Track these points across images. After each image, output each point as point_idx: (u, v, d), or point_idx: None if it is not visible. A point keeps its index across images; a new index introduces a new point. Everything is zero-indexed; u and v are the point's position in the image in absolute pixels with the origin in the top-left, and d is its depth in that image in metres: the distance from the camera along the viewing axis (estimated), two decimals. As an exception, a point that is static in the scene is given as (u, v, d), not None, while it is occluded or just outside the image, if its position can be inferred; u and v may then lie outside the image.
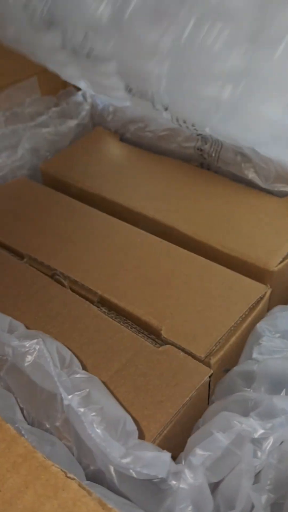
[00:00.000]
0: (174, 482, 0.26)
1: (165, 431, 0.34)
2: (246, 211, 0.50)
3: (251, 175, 0.52)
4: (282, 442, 0.28)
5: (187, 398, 0.35)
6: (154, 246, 0.48)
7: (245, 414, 0.29)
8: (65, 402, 0.29)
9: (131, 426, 0.30)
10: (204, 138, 0.54)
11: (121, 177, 0.57)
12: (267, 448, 0.27)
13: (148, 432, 0.34)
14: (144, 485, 0.28)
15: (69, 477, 0.25)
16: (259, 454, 0.27)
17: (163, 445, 0.34)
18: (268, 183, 0.52)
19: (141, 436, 0.33)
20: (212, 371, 0.37)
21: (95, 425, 0.28)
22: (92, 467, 0.31)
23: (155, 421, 0.34)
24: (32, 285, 0.44)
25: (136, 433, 0.30)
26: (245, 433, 0.27)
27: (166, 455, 0.27)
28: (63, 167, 0.59)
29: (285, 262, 0.44)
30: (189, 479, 0.26)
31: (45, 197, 0.55)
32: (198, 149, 0.56)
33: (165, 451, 0.28)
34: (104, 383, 0.36)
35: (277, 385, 0.32)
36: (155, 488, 0.28)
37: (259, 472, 0.28)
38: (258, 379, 0.33)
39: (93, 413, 0.28)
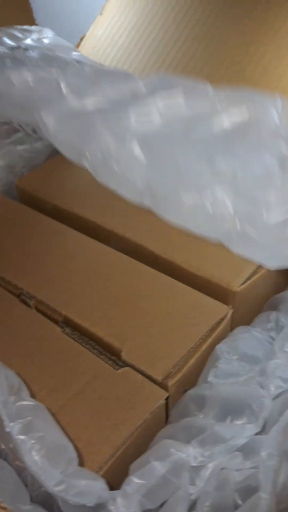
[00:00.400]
0: (111, 509, 0.26)
1: (118, 453, 0.34)
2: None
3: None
4: (221, 470, 0.28)
5: (141, 421, 0.35)
6: (123, 265, 0.48)
7: (189, 440, 0.30)
8: (7, 429, 0.29)
9: (72, 454, 0.30)
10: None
11: (95, 194, 0.57)
12: (205, 475, 0.27)
13: (100, 454, 0.34)
14: (85, 510, 0.28)
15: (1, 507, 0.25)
16: (197, 481, 0.27)
17: (117, 467, 0.34)
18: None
19: (93, 459, 0.33)
20: (168, 394, 0.37)
21: (33, 453, 0.28)
22: (43, 489, 0.32)
23: (108, 444, 0.34)
24: (-3, 305, 0.44)
25: (76, 460, 0.30)
26: (182, 462, 0.28)
27: (100, 483, 0.27)
28: (39, 184, 0.60)
29: (248, 282, 0.45)
30: (121, 507, 0.26)
31: (18, 215, 0.55)
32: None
33: (100, 479, 0.29)
34: (61, 406, 0.37)
35: (225, 411, 0.32)
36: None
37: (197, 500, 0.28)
38: (208, 405, 0.33)
39: (33, 441, 0.29)
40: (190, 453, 0.28)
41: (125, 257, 0.49)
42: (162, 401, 0.37)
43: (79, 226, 0.53)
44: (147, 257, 0.49)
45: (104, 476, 0.33)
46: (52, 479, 0.27)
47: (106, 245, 0.51)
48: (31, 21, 0.63)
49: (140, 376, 0.38)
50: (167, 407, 0.38)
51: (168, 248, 0.49)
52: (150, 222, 0.52)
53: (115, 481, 0.35)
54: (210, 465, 0.28)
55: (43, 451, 0.28)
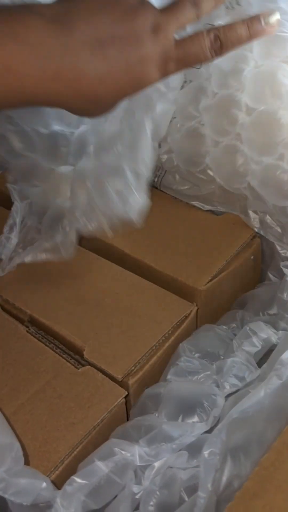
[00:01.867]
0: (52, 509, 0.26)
1: (75, 452, 0.33)
2: (182, 229, 0.49)
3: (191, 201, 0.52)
4: (167, 468, 0.27)
5: (99, 420, 0.34)
6: (90, 263, 0.47)
7: (139, 439, 0.29)
8: None
9: (18, 453, 0.29)
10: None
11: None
12: (150, 474, 0.26)
13: (56, 453, 0.33)
14: (33, 510, 0.27)
15: None
16: (142, 481, 0.27)
17: (73, 465, 0.33)
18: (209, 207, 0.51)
19: (48, 458, 0.33)
20: (126, 393, 0.36)
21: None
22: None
23: (65, 443, 0.33)
24: None
25: (22, 459, 0.29)
26: (126, 461, 0.27)
27: (42, 483, 0.27)
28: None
29: (214, 281, 0.44)
30: (60, 508, 0.26)
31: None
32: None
33: (44, 478, 0.28)
34: (20, 405, 0.36)
35: (177, 409, 0.31)
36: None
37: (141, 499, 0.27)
38: (162, 403, 0.32)
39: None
40: (136, 452, 0.27)
41: (92, 255, 0.48)
42: (121, 400, 0.36)
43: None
44: (116, 256, 0.48)
45: (59, 475, 0.32)
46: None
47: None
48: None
49: (100, 375, 0.37)
50: (127, 406, 0.37)
51: (137, 247, 0.48)
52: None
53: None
54: (156, 464, 0.27)
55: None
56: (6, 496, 0.25)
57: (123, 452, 0.27)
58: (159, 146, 0.51)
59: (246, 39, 0.32)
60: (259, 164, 0.43)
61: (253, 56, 0.46)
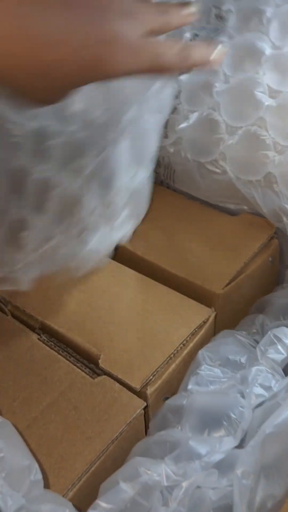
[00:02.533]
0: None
1: (93, 468, 0.31)
2: (198, 230, 0.47)
3: (204, 194, 0.50)
4: (196, 488, 0.25)
5: (117, 434, 0.32)
6: (103, 267, 0.45)
7: (164, 455, 0.27)
8: None
9: (37, 475, 0.27)
10: (156, 162, 0.52)
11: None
12: (178, 495, 0.24)
13: (73, 470, 0.31)
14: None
15: None
16: (170, 502, 0.25)
17: (92, 483, 0.31)
18: (221, 202, 0.49)
19: (65, 475, 0.31)
20: (145, 404, 0.34)
21: (-6, 475, 0.25)
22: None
23: (82, 459, 0.31)
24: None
25: (41, 483, 0.27)
26: (153, 482, 0.25)
27: (63, 509, 0.25)
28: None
29: (232, 284, 0.42)
30: None
31: None
32: (154, 171, 0.53)
33: (67, 503, 0.26)
34: (34, 418, 0.34)
35: (202, 423, 0.29)
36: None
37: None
38: (185, 416, 0.30)
39: (-6, 462, 0.26)
40: (162, 472, 0.25)
41: (105, 259, 0.46)
42: (139, 411, 0.34)
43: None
44: (128, 259, 0.46)
45: (77, 493, 0.30)
46: (14, 504, 0.24)
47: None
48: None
49: (117, 385, 0.35)
50: (146, 417, 0.35)
51: (150, 249, 0.46)
52: (132, 224, 0.49)
53: (91, 497, 0.32)
54: (184, 484, 0.25)
55: (4, 473, 0.25)
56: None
57: (149, 472, 0.25)
58: (166, 136, 0.49)
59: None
60: (283, 153, 0.41)
61: (269, 38, 0.44)
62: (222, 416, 0.28)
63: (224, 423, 0.28)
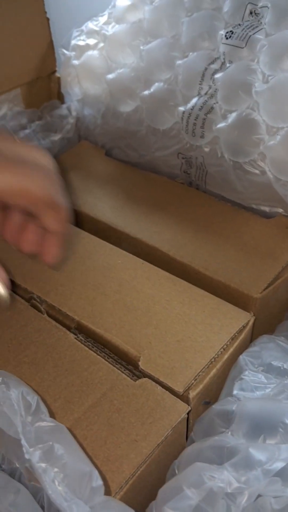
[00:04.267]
0: None
1: (139, 472, 0.32)
2: (232, 233, 0.48)
3: (239, 196, 0.50)
4: (258, 497, 0.26)
5: (163, 438, 0.33)
6: (135, 268, 0.46)
7: (220, 461, 0.27)
8: (26, 456, 0.27)
9: (98, 482, 0.27)
10: (188, 162, 0.52)
11: (104, 194, 0.55)
12: (242, 503, 0.25)
13: (121, 473, 0.32)
14: None
15: None
16: (233, 510, 0.25)
17: (137, 486, 0.32)
18: (256, 204, 0.50)
19: (112, 478, 0.31)
20: (190, 408, 0.35)
21: (56, 483, 0.26)
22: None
23: (128, 462, 0.32)
24: (6, 309, 0.42)
25: (102, 489, 0.28)
26: (217, 489, 0.25)
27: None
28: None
29: (270, 288, 0.42)
30: None
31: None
32: (184, 171, 0.54)
33: (129, 509, 0.26)
34: (77, 419, 0.34)
35: (256, 429, 0.30)
36: None
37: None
38: (236, 421, 0.31)
39: (55, 469, 0.26)
40: (225, 478, 0.26)
41: (138, 260, 0.46)
42: (184, 415, 0.34)
43: (88, 227, 0.51)
44: (161, 261, 0.47)
45: (124, 497, 0.31)
46: (81, 510, 0.25)
47: (117, 247, 0.48)
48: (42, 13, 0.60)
49: (159, 388, 0.36)
50: (187, 421, 0.36)
51: (183, 251, 0.47)
52: (163, 223, 0.50)
53: (135, 501, 0.32)
54: (247, 492, 0.25)
55: (67, 480, 0.26)
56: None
57: (214, 479, 0.26)
58: (202, 136, 0.49)
59: None
60: None
61: None
62: (277, 423, 0.29)
63: (281, 430, 0.29)
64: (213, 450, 0.29)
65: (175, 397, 0.35)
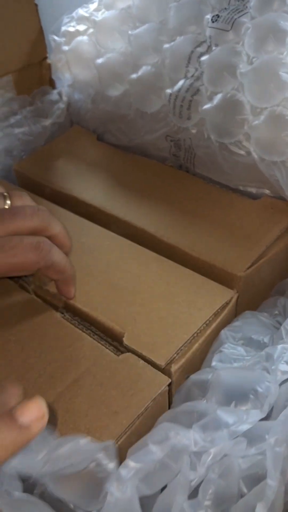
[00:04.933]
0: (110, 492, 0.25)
1: (119, 443, 0.33)
2: (219, 214, 0.49)
3: (226, 177, 0.51)
4: (224, 456, 0.27)
5: (142, 409, 0.34)
6: (123, 249, 0.47)
7: (191, 425, 0.28)
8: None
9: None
10: (177, 145, 0.53)
11: (95, 178, 0.56)
12: (207, 461, 0.26)
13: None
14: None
15: None
16: (197, 467, 0.26)
17: (118, 457, 0.33)
18: (243, 185, 0.50)
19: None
20: (170, 380, 0.36)
21: None
22: None
23: (108, 433, 0.33)
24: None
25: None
26: (181, 446, 0.26)
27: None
28: (37, 168, 0.58)
29: (253, 267, 0.43)
30: (116, 492, 0.25)
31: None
32: (173, 154, 0.55)
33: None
34: (59, 393, 0.35)
35: (228, 396, 0.31)
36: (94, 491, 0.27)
37: (198, 487, 0.27)
38: (211, 389, 0.32)
39: None
40: (191, 437, 0.27)
41: (126, 241, 0.48)
42: (164, 388, 0.35)
43: (79, 210, 0.52)
44: (148, 241, 0.48)
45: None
46: None
47: (106, 229, 0.49)
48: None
49: (141, 361, 0.37)
50: (170, 394, 0.37)
51: (170, 232, 0.48)
52: (152, 206, 0.51)
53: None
54: (212, 451, 0.26)
55: None
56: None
57: (178, 436, 0.27)
58: (189, 118, 0.50)
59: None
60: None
61: None
62: (249, 390, 0.30)
63: (251, 396, 0.30)
64: (184, 414, 0.30)
65: (156, 371, 0.36)
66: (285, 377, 0.31)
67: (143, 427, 0.35)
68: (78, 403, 0.35)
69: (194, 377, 0.35)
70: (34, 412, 0.26)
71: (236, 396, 0.30)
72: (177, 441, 0.26)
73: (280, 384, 0.31)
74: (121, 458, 0.33)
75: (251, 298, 0.45)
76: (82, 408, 0.35)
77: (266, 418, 0.30)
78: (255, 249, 0.45)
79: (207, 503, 0.26)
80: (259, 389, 0.30)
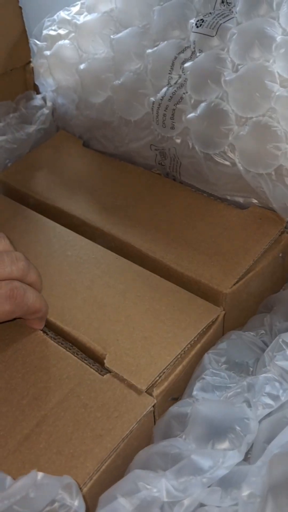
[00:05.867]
0: None
1: (103, 467, 0.34)
2: (205, 225, 0.50)
3: (212, 187, 0.52)
4: (198, 507, 0.27)
5: (127, 432, 0.35)
6: (109, 263, 0.48)
7: (166, 468, 0.29)
8: None
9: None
10: (162, 153, 0.54)
11: (80, 187, 0.57)
12: (179, 512, 0.27)
13: (84, 468, 0.34)
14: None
15: None
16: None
17: (103, 481, 0.34)
18: (230, 195, 0.51)
19: (76, 474, 0.33)
20: (155, 401, 0.37)
21: None
22: None
23: (93, 457, 0.34)
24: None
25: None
26: (152, 498, 0.27)
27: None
28: (21, 177, 0.59)
29: (240, 283, 0.44)
30: None
31: (1, 208, 0.55)
32: (159, 163, 0.55)
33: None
34: (43, 416, 0.36)
35: (206, 434, 0.31)
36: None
37: None
38: (189, 425, 0.32)
39: None
40: (162, 487, 0.27)
41: (112, 254, 0.48)
42: (149, 409, 0.36)
43: (64, 222, 0.53)
44: (134, 255, 0.48)
45: (88, 492, 0.33)
46: None
47: (92, 242, 0.50)
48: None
49: (127, 381, 0.38)
50: (154, 415, 0.38)
51: (156, 246, 0.48)
52: (138, 218, 0.52)
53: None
54: (185, 501, 0.27)
55: None
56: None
57: (148, 487, 0.27)
58: (173, 127, 0.51)
59: None
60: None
61: (279, 24, 0.45)
62: (227, 428, 0.30)
63: (230, 435, 0.30)
64: (159, 456, 0.31)
65: (143, 391, 0.37)
66: (266, 411, 0.32)
67: (128, 449, 0.36)
68: (62, 426, 0.36)
69: (173, 409, 0.36)
70: None
71: (215, 433, 0.30)
72: (148, 493, 0.27)
73: (261, 420, 0.32)
74: (106, 481, 0.34)
75: (239, 314, 0.46)
76: (66, 431, 0.36)
77: (246, 455, 0.30)
78: (243, 263, 0.45)
79: None
80: (237, 427, 0.30)
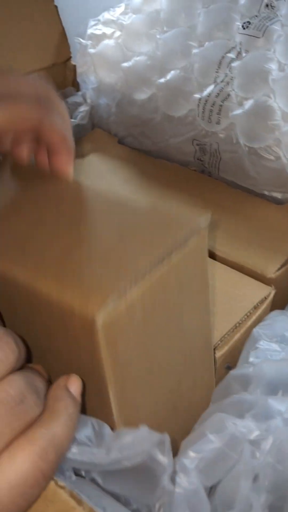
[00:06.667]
0: (167, 485, 0.26)
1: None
2: (243, 217, 0.53)
3: (252, 182, 0.55)
4: (279, 443, 0.29)
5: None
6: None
7: (241, 416, 0.31)
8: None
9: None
10: (202, 149, 0.58)
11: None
12: (266, 448, 0.29)
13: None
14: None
15: (59, 486, 0.26)
16: (257, 455, 0.29)
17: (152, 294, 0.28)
18: (268, 190, 0.55)
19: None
20: None
21: None
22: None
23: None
24: None
25: None
26: (240, 435, 0.29)
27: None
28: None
29: (283, 269, 0.47)
30: (184, 482, 0.27)
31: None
32: (197, 159, 0.59)
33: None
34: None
35: (273, 387, 0.33)
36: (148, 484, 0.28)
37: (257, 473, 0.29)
38: (254, 382, 0.34)
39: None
40: (247, 425, 0.29)
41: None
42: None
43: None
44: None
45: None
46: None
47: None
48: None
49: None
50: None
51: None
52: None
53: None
54: (270, 438, 0.29)
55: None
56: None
57: (235, 425, 0.29)
58: (218, 122, 0.54)
59: None
60: None
61: None
62: None
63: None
64: (233, 406, 0.33)
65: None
66: None
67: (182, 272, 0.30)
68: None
69: (234, 372, 0.38)
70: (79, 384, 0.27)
71: (281, 386, 0.33)
72: (235, 429, 0.29)
73: None
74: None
75: (279, 299, 0.49)
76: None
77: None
78: (284, 251, 0.49)
79: (267, 488, 0.28)
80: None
